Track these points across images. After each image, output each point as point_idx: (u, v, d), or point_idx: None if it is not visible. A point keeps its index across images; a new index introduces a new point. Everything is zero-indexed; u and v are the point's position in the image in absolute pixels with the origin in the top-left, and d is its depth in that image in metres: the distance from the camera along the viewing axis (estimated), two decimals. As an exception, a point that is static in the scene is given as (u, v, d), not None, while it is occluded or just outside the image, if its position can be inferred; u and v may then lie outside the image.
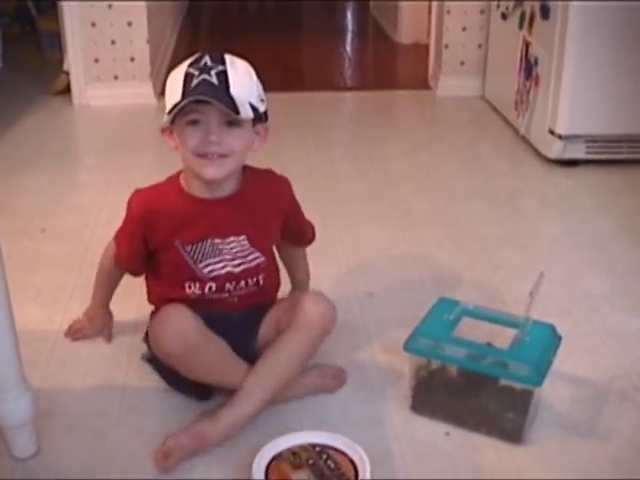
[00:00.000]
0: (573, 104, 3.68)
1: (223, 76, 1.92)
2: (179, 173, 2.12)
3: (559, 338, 2.11)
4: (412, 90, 5.10)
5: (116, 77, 4.72)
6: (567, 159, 3.79)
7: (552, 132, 3.75)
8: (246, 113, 1.93)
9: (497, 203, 3.48)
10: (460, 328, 2.13)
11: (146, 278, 2.24)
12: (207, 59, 1.95)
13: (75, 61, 4.67)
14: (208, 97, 1.90)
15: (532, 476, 1.96)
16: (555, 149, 3.77)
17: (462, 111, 4.71)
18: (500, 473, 1.96)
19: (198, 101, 1.91)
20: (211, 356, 2.03)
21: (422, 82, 5.18)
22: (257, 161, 2.16)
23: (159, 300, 2.16)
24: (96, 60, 4.67)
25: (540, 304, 2.38)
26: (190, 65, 1.95)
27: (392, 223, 3.25)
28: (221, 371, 2.06)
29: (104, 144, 4.13)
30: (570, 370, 2.31)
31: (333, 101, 4.91)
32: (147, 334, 2.11)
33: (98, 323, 2.41)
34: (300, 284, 2.43)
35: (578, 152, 3.77)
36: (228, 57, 1.98)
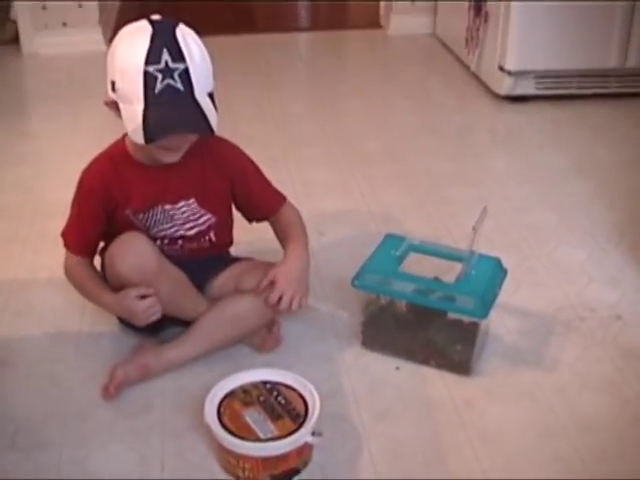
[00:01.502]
0: (522, 40, 3.69)
1: (186, 76, 1.85)
2: (124, 137, 2.04)
3: (504, 271, 2.15)
4: (363, 30, 5.07)
5: (65, 24, 4.62)
6: (517, 95, 3.80)
7: (502, 68, 3.76)
8: (214, 119, 1.90)
9: (447, 140, 3.50)
10: (408, 264, 2.15)
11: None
12: (167, 57, 1.83)
13: (22, 9, 4.58)
14: (182, 127, 1.90)
15: (481, 406, 2.00)
16: (505, 85, 3.78)
17: (413, 49, 4.69)
18: (449, 404, 2.00)
19: None
20: (169, 285, 2.05)
21: (373, 21, 5.14)
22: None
23: None
24: (44, 7, 4.57)
25: (489, 238, 2.43)
26: (148, 62, 1.82)
27: (342, 162, 3.26)
28: (177, 301, 2.09)
29: (55, 93, 4.06)
30: (517, 303, 2.36)
31: (284, 43, 4.87)
32: (103, 261, 2.12)
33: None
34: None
35: (528, 88, 3.79)
36: (183, 44, 1.85)
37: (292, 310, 2.08)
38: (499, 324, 2.25)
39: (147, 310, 2.00)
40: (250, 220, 2.27)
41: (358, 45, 4.85)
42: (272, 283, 2.07)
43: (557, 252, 2.64)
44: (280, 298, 2.06)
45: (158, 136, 1.87)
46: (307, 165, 3.23)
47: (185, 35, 1.88)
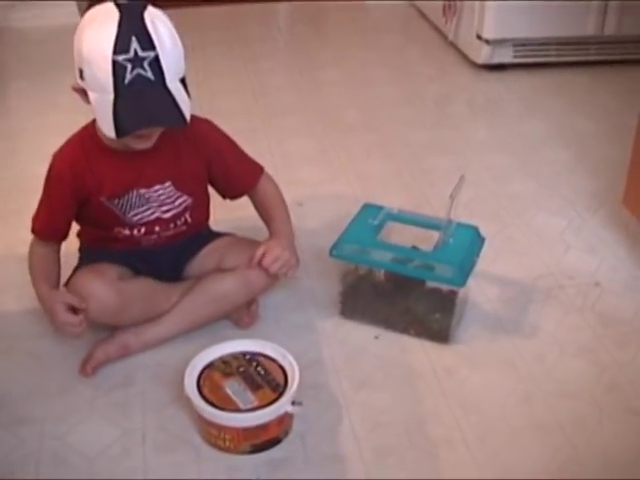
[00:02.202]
0: (499, 8, 3.66)
1: (156, 65, 1.79)
2: (94, 121, 1.96)
3: (482, 239, 2.16)
4: (342, 0, 5.05)
5: (38, -3, 4.59)
6: (495, 63, 3.80)
7: (479, 37, 3.75)
8: (186, 107, 1.86)
9: (426, 109, 3.50)
10: (386, 233, 2.16)
11: (76, 220, 2.17)
12: (136, 45, 1.77)
13: (-6, -19, 4.53)
14: (155, 121, 1.86)
15: (460, 373, 2.02)
16: (483, 54, 3.78)
17: (391, 19, 4.67)
18: (429, 372, 2.02)
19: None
20: (138, 305, 2.03)
21: (352, -9, 5.12)
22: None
23: (88, 240, 2.17)
24: (16, -20, 4.54)
25: (468, 207, 2.44)
26: (117, 51, 1.76)
27: (321, 132, 3.26)
28: (149, 311, 2.07)
29: (31, 67, 4.01)
30: (497, 271, 2.37)
31: (262, 13, 4.83)
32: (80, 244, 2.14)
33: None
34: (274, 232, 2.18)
35: (506, 56, 3.78)
36: (152, 29, 1.79)
37: (285, 274, 2.08)
38: (478, 292, 2.26)
39: (68, 326, 1.96)
40: (225, 197, 2.24)
41: (336, 15, 4.82)
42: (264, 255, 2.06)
43: (536, 220, 2.65)
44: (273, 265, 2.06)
45: (130, 130, 1.84)
46: (286, 136, 3.22)
47: (154, 19, 1.81)
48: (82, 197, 2.03)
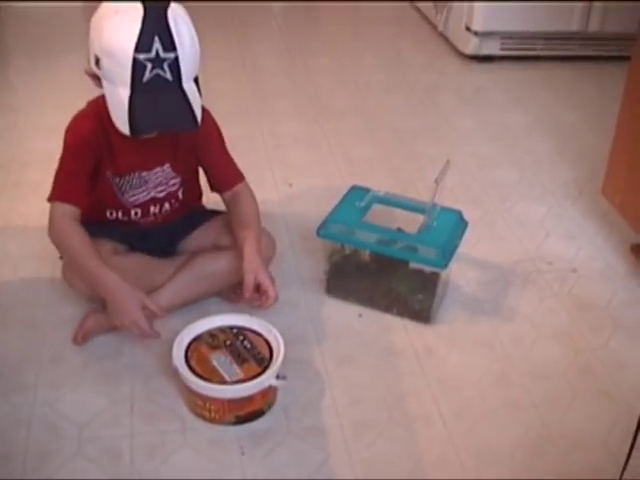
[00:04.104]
0: (488, 1, 3.73)
1: (175, 66, 1.81)
2: (104, 101, 1.90)
3: (465, 223, 2.21)
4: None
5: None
6: (483, 55, 3.87)
7: (468, 29, 3.81)
8: (198, 108, 1.88)
9: (414, 97, 3.56)
10: (372, 215, 2.21)
11: None
12: (158, 45, 1.78)
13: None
14: (169, 125, 1.89)
15: (440, 353, 2.08)
16: (471, 45, 3.85)
17: (384, 9, 4.70)
18: (410, 351, 2.07)
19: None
20: (132, 281, 1.99)
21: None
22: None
23: (85, 215, 2.11)
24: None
25: (452, 193, 2.49)
26: (139, 49, 1.77)
27: (312, 117, 3.31)
28: (146, 285, 2.06)
29: (31, 46, 4.03)
30: (478, 255, 2.43)
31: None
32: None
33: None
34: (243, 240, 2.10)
35: (493, 48, 3.86)
36: (175, 30, 1.80)
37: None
38: (459, 275, 2.32)
39: (139, 323, 1.94)
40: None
41: (330, 4, 4.85)
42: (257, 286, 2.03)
43: (517, 207, 2.71)
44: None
45: (144, 132, 1.88)
46: (277, 119, 3.27)
47: (177, 18, 1.81)
48: (96, 166, 2.01)
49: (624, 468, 1.49)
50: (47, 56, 3.86)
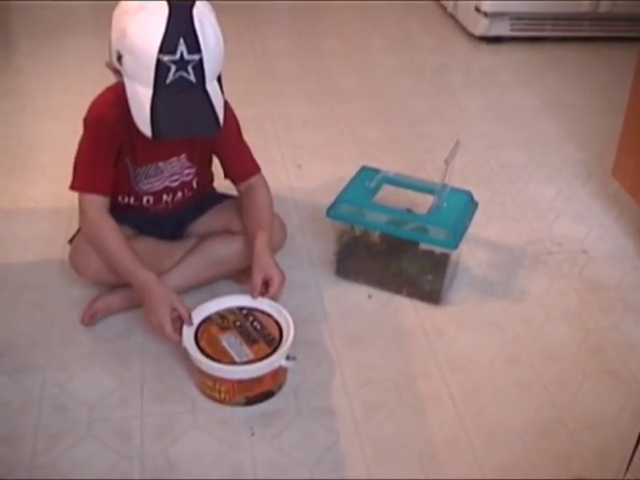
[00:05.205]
0: (499, -19, 3.71)
1: (199, 68, 1.78)
2: (124, 92, 1.85)
3: (475, 204, 2.20)
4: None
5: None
6: (492, 36, 3.85)
7: (478, 10, 3.79)
8: (220, 109, 1.85)
9: (424, 78, 3.54)
10: (382, 195, 2.20)
11: None
12: (183, 47, 1.74)
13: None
14: (191, 131, 1.85)
15: (450, 334, 2.08)
16: (481, 26, 3.83)
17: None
18: (420, 332, 2.07)
19: None
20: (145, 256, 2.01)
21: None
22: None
23: None
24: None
25: (462, 174, 2.48)
26: (163, 51, 1.74)
27: (321, 99, 3.30)
28: (155, 269, 2.02)
29: (39, 29, 4.02)
30: (488, 236, 2.43)
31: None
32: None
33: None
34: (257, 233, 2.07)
35: (503, 29, 3.84)
36: (200, 31, 1.77)
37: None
38: (470, 256, 2.31)
39: (166, 326, 1.87)
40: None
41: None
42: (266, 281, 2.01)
43: (527, 188, 2.70)
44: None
45: (166, 137, 1.84)
46: (287, 100, 3.26)
47: (202, 18, 1.78)
48: (118, 153, 1.98)
49: (628, 466, 1.48)
50: (52, 40, 3.85)
